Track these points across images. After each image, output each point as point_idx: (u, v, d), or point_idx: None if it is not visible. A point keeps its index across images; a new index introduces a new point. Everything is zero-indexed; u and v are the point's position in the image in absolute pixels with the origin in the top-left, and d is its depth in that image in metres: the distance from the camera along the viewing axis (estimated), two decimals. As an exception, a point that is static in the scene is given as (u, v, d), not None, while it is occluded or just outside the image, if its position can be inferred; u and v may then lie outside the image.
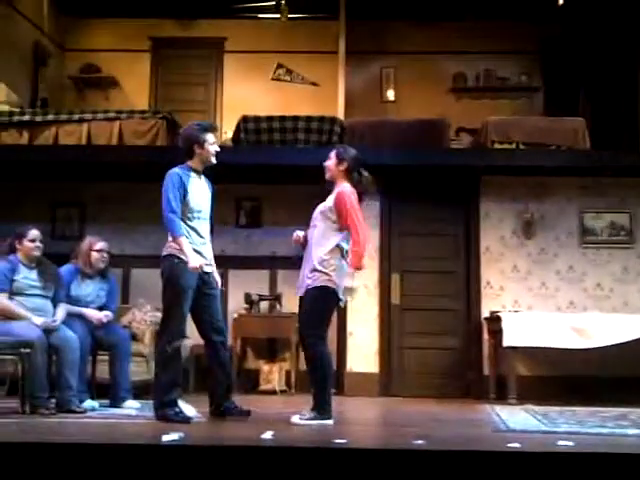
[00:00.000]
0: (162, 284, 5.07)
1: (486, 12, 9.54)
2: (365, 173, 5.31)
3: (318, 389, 5.05)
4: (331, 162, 5.29)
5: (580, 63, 9.11)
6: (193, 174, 5.16)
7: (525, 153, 7.85)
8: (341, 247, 5.12)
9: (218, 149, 5.25)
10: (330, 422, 4.96)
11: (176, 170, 5.12)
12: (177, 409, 4.94)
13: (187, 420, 4.85)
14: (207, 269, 5.16)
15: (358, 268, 5.14)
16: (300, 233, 5.29)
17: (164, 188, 5.06)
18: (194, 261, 4.94)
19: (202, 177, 5.26)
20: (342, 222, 5.10)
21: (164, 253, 5.07)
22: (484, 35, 9.58)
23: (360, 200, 5.26)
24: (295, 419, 4.97)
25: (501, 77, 9.76)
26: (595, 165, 7.78)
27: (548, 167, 7.80)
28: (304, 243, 5.27)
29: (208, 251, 5.21)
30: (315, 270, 5.07)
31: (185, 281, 4.98)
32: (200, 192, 5.17)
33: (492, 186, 8.08)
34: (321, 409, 4.98)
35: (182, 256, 4.98)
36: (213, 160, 5.22)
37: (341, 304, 5.28)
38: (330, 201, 5.19)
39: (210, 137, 5.19)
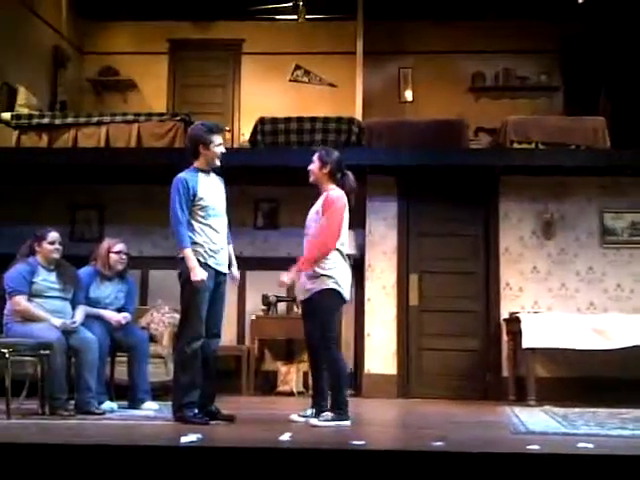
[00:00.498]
0: (180, 286, 5.08)
1: (505, 11, 9.48)
2: (348, 174, 5.33)
3: (335, 391, 5.07)
4: (314, 166, 5.32)
5: (600, 62, 9.03)
6: (201, 174, 5.13)
7: (545, 153, 7.80)
8: (337, 248, 5.15)
9: (223, 151, 5.19)
10: (348, 423, 4.96)
11: (182, 175, 5.10)
12: (195, 410, 4.94)
13: (205, 422, 4.85)
14: (223, 269, 5.16)
15: (300, 270, 5.17)
16: (285, 278, 5.26)
17: (171, 196, 5.05)
18: (199, 274, 4.94)
19: (211, 174, 5.21)
20: (321, 222, 5.13)
21: (181, 255, 5.08)
22: (503, 34, 9.52)
23: (347, 200, 5.29)
24: (314, 421, 4.97)
25: (520, 76, 9.70)
26: (615, 164, 7.71)
27: (568, 167, 7.74)
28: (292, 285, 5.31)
29: (224, 247, 5.16)
30: (316, 275, 5.11)
31: (204, 283, 4.97)
32: (211, 190, 5.14)
33: (511, 186, 8.03)
34: (339, 410, 4.99)
35: (199, 257, 4.99)
36: (217, 162, 5.18)
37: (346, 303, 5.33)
38: (319, 205, 5.24)
39: (216, 138, 5.14)
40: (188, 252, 4.97)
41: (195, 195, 5.05)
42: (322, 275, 5.10)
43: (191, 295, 4.99)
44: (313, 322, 5.17)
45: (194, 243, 5.03)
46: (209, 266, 5.03)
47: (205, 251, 5.02)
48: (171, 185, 5.11)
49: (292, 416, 5.19)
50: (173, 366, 5.27)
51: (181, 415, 4.92)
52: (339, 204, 5.18)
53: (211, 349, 5.13)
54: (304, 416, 5.15)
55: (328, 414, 4.98)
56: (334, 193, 5.21)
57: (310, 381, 7.34)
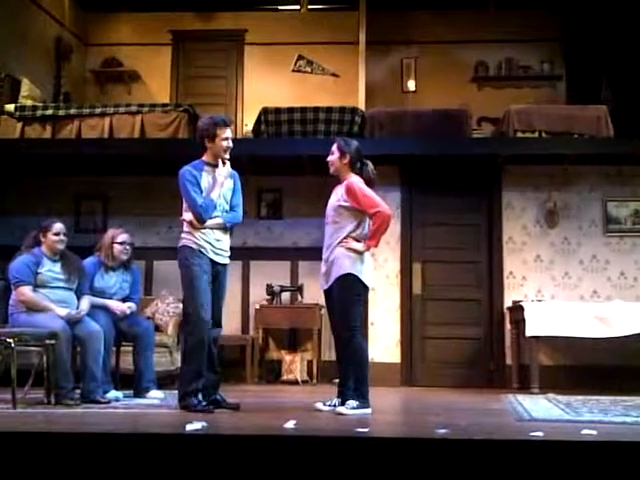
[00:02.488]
0: (180, 275, 5.09)
1: (507, 0, 9.46)
2: (368, 163, 5.32)
3: (360, 380, 5.09)
4: (334, 157, 5.30)
5: (603, 50, 9.01)
6: (207, 168, 5.13)
7: (548, 142, 7.79)
8: (356, 237, 5.15)
9: (230, 145, 5.15)
10: (369, 411, 5.03)
11: (187, 168, 5.11)
12: (200, 398, 4.95)
13: (209, 410, 4.87)
14: (223, 260, 5.14)
15: (373, 246, 5.22)
16: (355, 245, 5.17)
17: (183, 190, 5.05)
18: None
19: (219, 168, 5.16)
20: (363, 208, 5.12)
21: (180, 244, 5.09)
22: (505, 23, 9.50)
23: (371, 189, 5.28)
24: (341, 409, 4.99)
25: (523, 66, 9.67)
26: (618, 153, 7.71)
27: (571, 155, 7.74)
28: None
29: (222, 239, 5.12)
30: (337, 260, 5.10)
31: (201, 269, 4.98)
32: (215, 185, 5.12)
33: (514, 175, 8.04)
34: (363, 399, 5.04)
35: (192, 246, 4.99)
36: (225, 155, 5.14)
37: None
38: (340, 195, 5.20)
39: (222, 132, 5.08)
40: (210, 222, 5.01)
41: (199, 187, 5.06)
42: (343, 261, 5.08)
43: (191, 284, 4.99)
44: (335, 311, 5.16)
45: (189, 232, 5.04)
46: (204, 255, 5.01)
47: (201, 241, 5.01)
48: (176, 176, 5.12)
49: (317, 404, 5.17)
50: (180, 355, 5.25)
51: (185, 403, 4.94)
52: (360, 183, 5.17)
53: (214, 339, 5.13)
54: (330, 405, 5.15)
55: (353, 402, 5.01)
56: (352, 179, 5.21)
57: (317, 370, 7.43)
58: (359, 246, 5.13)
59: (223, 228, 5.15)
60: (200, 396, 4.98)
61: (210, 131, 5.10)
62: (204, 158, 5.18)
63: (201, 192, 5.06)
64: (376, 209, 5.12)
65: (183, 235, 5.10)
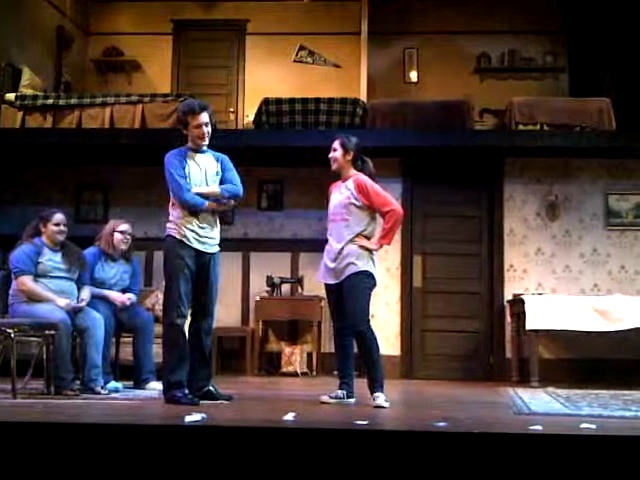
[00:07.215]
0: (163, 265, 5.06)
1: (510, -9, 9.44)
2: (366, 159, 5.31)
3: (380, 370, 5.12)
4: (338, 153, 5.25)
5: (606, 43, 8.97)
6: (191, 153, 5.05)
7: (550, 134, 7.77)
8: (367, 235, 5.18)
9: (205, 131, 5.00)
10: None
11: (170, 153, 5.05)
12: (185, 390, 4.90)
13: (195, 402, 4.78)
14: (211, 249, 5.06)
15: (386, 244, 5.29)
16: (365, 244, 5.18)
17: (167, 175, 4.98)
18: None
19: (205, 154, 5.10)
20: (375, 206, 5.13)
21: (165, 233, 5.04)
22: (508, 14, 9.47)
23: None
24: (381, 402, 4.95)
25: (526, 57, 9.64)
26: (620, 146, 7.70)
27: (573, 148, 7.73)
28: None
29: (207, 227, 5.02)
30: (351, 257, 5.08)
31: (182, 260, 4.90)
32: (199, 169, 5.06)
33: (516, 168, 8.04)
34: (383, 387, 5.07)
35: (175, 235, 4.94)
36: (202, 142, 5.03)
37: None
38: (349, 192, 5.16)
39: (194, 119, 4.96)
40: (208, 205, 4.96)
41: (182, 170, 4.99)
42: (360, 259, 5.09)
43: (171, 273, 4.94)
44: (349, 305, 5.12)
45: (171, 222, 4.99)
46: (187, 245, 4.93)
47: (184, 230, 4.94)
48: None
49: (323, 397, 5.14)
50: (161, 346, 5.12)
51: (170, 395, 4.88)
52: (370, 181, 5.19)
53: (205, 329, 5.08)
54: (336, 397, 5.14)
55: (382, 394, 5.01)
56: (361, 176, 5.20)
57: (316, 362, 7.42)
58: (372, 245, 5.15)
59: (212, 214, 5.05)
60: (185, 388, 4.91)
61: (182, 119, 5.03)
62: (188, 144, 5.10)
63: (185, 178, 4.99)
64: (389, 207, 5.14)
65: (168, 224, 5.03)
